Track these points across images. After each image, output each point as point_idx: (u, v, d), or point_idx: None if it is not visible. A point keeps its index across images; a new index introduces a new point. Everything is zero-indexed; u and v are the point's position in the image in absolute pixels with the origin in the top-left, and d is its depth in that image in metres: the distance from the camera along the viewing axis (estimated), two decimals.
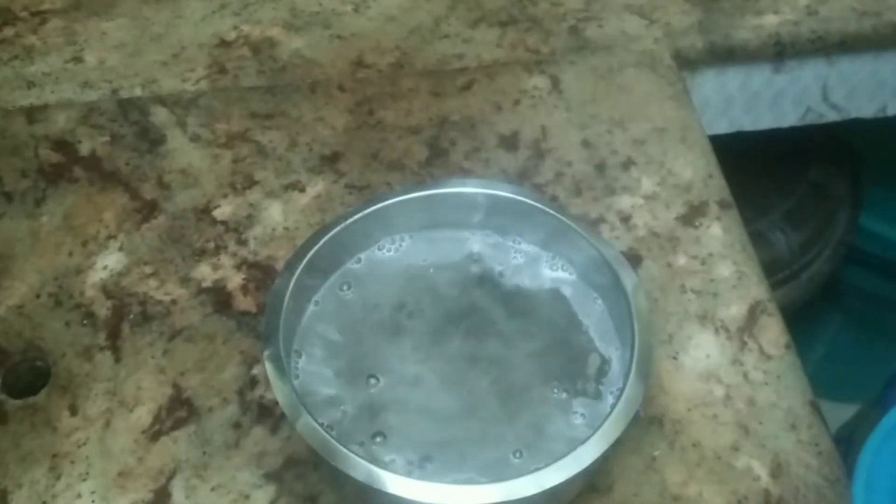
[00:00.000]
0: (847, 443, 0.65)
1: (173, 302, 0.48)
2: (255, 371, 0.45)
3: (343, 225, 0.42)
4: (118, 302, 0.48)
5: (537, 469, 0.34)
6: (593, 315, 0.42)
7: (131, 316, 0.47)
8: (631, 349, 0.37)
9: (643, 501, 0.41)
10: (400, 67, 0.60)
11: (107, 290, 0.48)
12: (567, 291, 0.43)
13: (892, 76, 0.66)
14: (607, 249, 0.41)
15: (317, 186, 0.53)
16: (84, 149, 0.55)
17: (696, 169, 0.54)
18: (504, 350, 0.40)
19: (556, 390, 0.39)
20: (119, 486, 0.41)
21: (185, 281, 0.49)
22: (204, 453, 0.42)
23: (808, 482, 0.41)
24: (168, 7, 0.64)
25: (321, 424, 0.35)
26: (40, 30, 0.63)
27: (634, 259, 0.49)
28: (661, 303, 0.48)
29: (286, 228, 0.51)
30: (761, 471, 0.42)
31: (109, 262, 0.49)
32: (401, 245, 0.44)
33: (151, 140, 0.55)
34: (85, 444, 0.42)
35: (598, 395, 0.39)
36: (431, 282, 0.43)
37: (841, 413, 0.72)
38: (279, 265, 0.49)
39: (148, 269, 0.49)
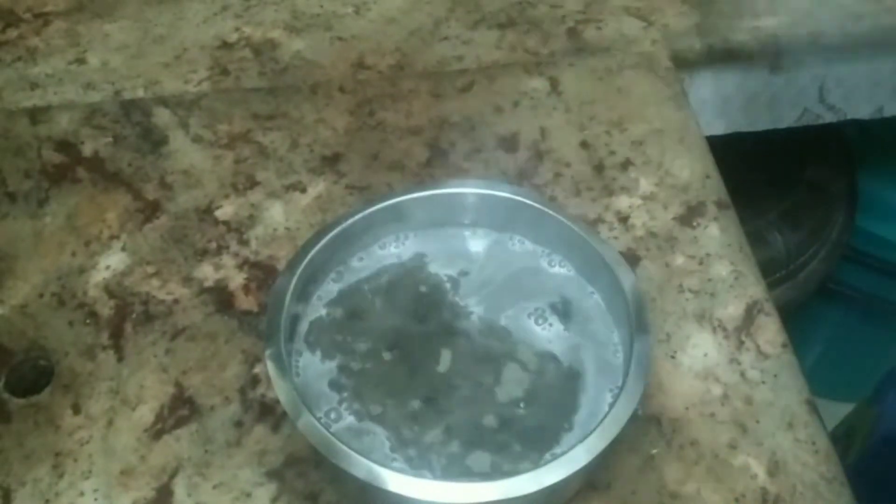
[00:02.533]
0: (844, 441, 0.65)
1: (175, 301, 0.48)
2: (257, 370, 0.45)
3: (344, 225, 0.42)
4: (121, 301, 0.48)
5: (536, 467, 0.34)
6: (590, 311, 0.42)
7: (134, 315, 0.47)
8: (629, 348, 0.38)
9: (641, 499, 0.41)
10: (400, 69, 0.60)
11: (109, 290, 0.49)
12: (564, 287, 0.43)
13: (888, 77, 0.67)
14: (605, 249, 0.41)
15: (318, 187, 0.53)
16: (87, 149, 0.55)
17: (693, 169, 0.54)
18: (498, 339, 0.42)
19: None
20: (121, 484, 0.41)
21: (187, 281, 0.49)
22: (206, 451, 0.42)
23: (805, 480, 0.42)
24: (170, 9, 0.65)
25: (319, 420, 0.35)
26: (43, 31, 0.63)
27: (633, 259, 0.49)
28: (659, 302, 0.48)
29: (287, 228, 0.51)
30: (759, 469, 0.42)
31: (112, 261, 0.50)
32: (402, 244, 0.44)
33: (154, 141, 0.56)
34: (88, 442, 0.43)
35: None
36: (432, 280, 0.43)
37: (838, 411, 0.72)
38: (280, 265, 0.49)
39: (150, 269, 0.49)
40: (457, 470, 0.37)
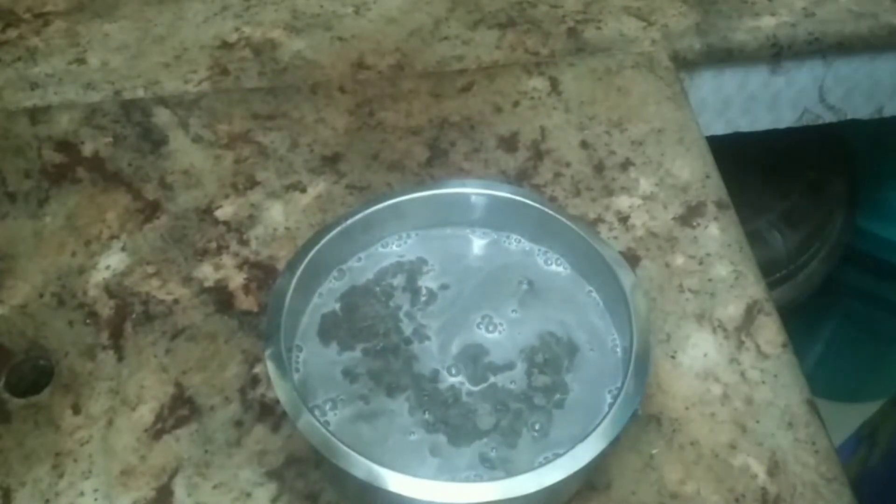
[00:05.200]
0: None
1: (175, 301, 0.48)
2: (257, 370, 0.45)
3: (344, 225, 0.42)
4: (121, 301, 0.48)
5: (537, 467, 0.34)
6: (587, 309, 0.42)
7: (134, 315, 0.47)
8: (629, 348, 0.38)
9: (641, 499, 0.41)
10: (400, 69, 0.60)
11: (109, 290, 0.49)
12: (563, 286, 0.43)
13: (888, 77, 0.67)
14: (605, 249, 0.41)
15: (318, 187, 0.53)
16: (87, 149, 0.55)
17: (693, 169, 0.54)
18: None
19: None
20: (122, 484, 0.41)
21: (187, 281, 0.49)
22: (206, 451, 0.42)
23: (805, 480, 0.42)
24: (170, 9, 0.65)
25: (317, 419, 0.35)
26: (43, 31, 0.63)
27: (633, 259, 0.50)
28: (659, 302, 0.48)
29: (287, 228, 0.51)
30: (759, 469, 0.42)
31: (112, 261, 0.50)
32: (402, 244, 0.44)
33: (154, 141, 0.56)
34: (88, 442, 0.43)
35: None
36: (432, 279, 0.43)
37: (839, 412, 0.72)
38: (280, 265, 0.49)
39: (150, 269, 0.49)
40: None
